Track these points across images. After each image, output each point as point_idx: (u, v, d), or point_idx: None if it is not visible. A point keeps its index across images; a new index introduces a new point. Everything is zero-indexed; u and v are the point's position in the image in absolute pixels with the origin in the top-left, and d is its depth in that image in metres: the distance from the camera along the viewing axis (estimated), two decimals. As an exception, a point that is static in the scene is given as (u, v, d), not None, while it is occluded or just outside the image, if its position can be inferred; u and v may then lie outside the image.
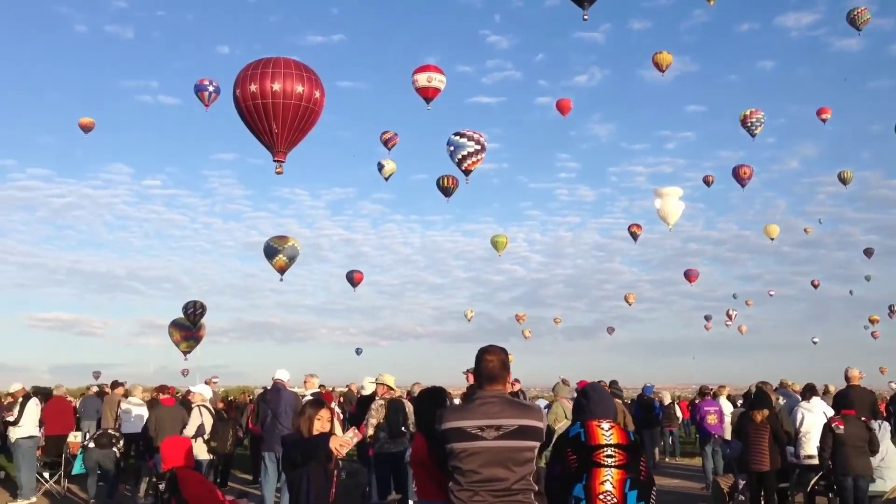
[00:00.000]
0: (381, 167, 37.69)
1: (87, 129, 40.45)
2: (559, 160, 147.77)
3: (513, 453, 3.95)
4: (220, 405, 13.11)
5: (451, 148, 26.98)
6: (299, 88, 21.19)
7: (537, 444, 4.06)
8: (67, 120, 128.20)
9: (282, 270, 34.96)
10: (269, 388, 10.83)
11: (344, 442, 5.04)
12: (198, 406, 11.20)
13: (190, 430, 10.76)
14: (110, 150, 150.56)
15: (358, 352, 59.88)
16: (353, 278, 40.43)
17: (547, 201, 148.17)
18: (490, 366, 4.17)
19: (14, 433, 11.94)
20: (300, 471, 4.99)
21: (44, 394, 15.01)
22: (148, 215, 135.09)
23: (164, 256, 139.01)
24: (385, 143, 37.25)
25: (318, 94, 21.89)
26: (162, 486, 7.66)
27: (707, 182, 41.58)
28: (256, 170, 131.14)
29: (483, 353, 4.23)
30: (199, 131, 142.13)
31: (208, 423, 10.82)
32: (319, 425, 5.16)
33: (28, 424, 11.92)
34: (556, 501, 4.29)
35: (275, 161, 24.04)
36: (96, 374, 45.24)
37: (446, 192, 31.69)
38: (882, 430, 9.31)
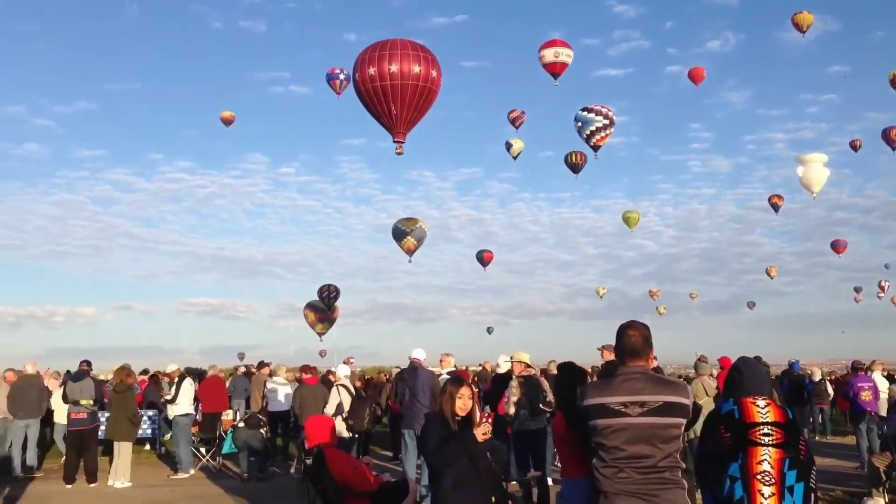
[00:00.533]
0: (509, 146, 37.52)
1: (228, 122, 42.40)
2: (691, 130, 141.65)
3: (658, 430, 3.82)
4: (358, 384, 13.50)
5: (579, 124, 26.52)
6: (416, 69, 21.32)
7: (684, 420, 3.92)
8: (208, 114, 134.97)
9: (410, 252, 35.48)
10: (406, 367, 11.01)
11: (486, 430, 5.03)
12: (337, 385, 11.57)
13: (330, 409, 11.12)
14: (247, 140, 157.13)
15: (489, 331, 60.11)
16: (482, 258, 40.60)
17: (679, 173, 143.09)
18: (632, 341, 4.06)
19: (172, 411, 12.77)
20: (448, 461, 4.98)
21: (197, 374, 15.95)
22: (284, 202, 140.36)
23: (300, 241, 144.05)
24: (513, 121, 37.02)
25: (434, 73, 21.96)
26: (309, 462, 7.96)
27: (854, 147, 39.01)
28: (384, 153, 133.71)
29: (625, 329, 4.13)
30: (329, 118, 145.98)
31: (347, 401, 11.14)
32: (461, 403, 5.16)
33: (184, 403, 12.70)
34: (706, 480, 4.11)
35: (395, 142, 24.40)
36: (241, 356, 47.48)
37: (574, 168, 31.18)
38: None
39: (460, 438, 4.97)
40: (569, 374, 5.27)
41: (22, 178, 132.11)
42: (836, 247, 41.79)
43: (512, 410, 9.53)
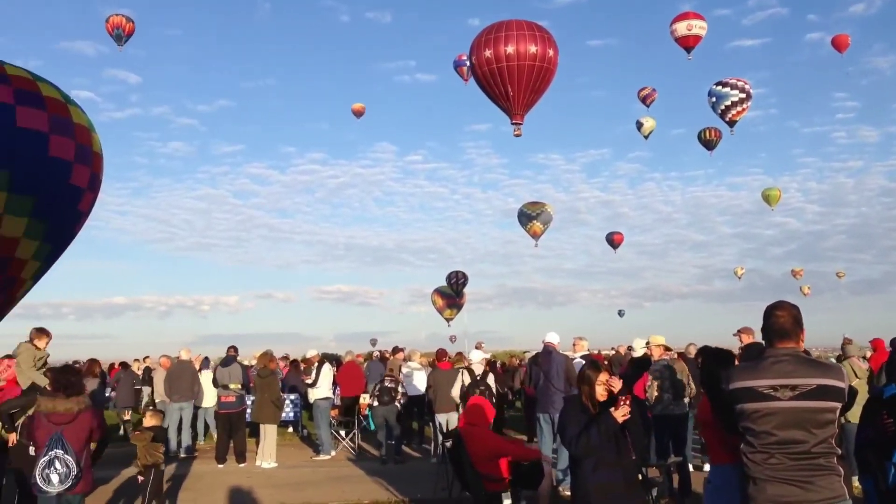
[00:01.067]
0: (639, 125, 36.68)
1: (359, 114, 43.52)
2: (835, 100, 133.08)
3: (811, 414, 3.64)
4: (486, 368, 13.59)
5: (713, 99, 25.62)
6: (532, 49, 21.04)
7: (839, 405, 3.70)
8: (338, 106, 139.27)
9: (536, 236, 35.29)
10: (539, 351, 10.99)
11: (625, 412, 4.96)
12: (461, 369, 11.77)
13: (455, 391, 11.29)
14: (376, 130, 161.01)
15: (620, 313, 59.18)
16: (612, 240, 39.97)
17: (822, 146, 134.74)
18: (781, 321, 3.87)
19: (312, 395, 13.28)
20: (588, 451, 4.95)
21: (335, 360, 16.49)
22: (412, 189, 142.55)
23: (430, 228, 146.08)
24: (643, 99, 36.14)
25: (551, 52, 21.61)
26: (448, 444, 8.07)
27: None
28: (510, 138, 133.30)
29: (773, 309, 3.94)
30: (455, 105, 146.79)
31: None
32: (601, 389, 5.12)
33: (324, 387, 13.20)
34: (867, 467, 3.90)
35: (513, 124, 24.25)
36: (373, 342, 48.89)
37: (708, 145, 30.17)
38: None
39: (600, 423, 4.93)
40: (714, 358, 5.11)
41: (169, 174, 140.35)
42: None
43: (654, 395, 9.34)
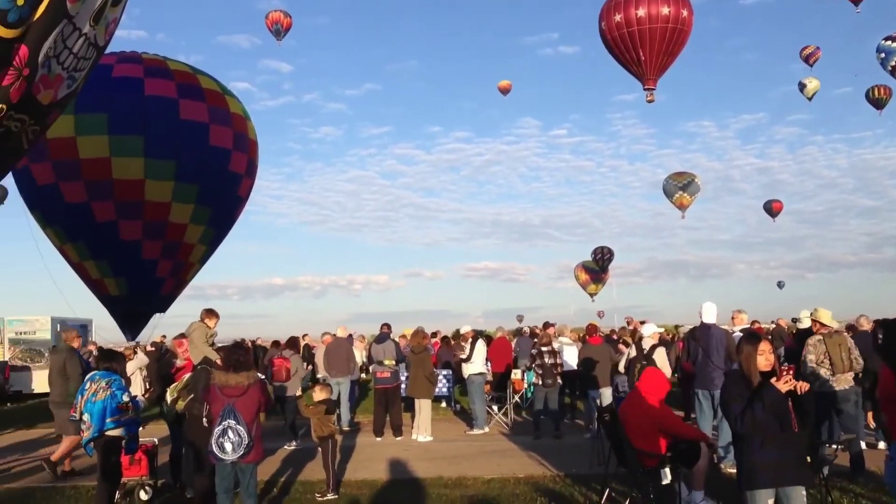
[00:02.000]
0: (802, 86, 34.56)
1: (505, 91, 43.43)
2: None
3: None
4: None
5: (882, 55, 23.73)
6: (665, 10, 20.10)
7: None
8: (481, 83, 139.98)
9: (683, 207, 34.05)
10: (697, 325, 10.53)
11: (788, 380, 4.63)
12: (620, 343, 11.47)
13: (621, 366, 11.04)
14: (519, 105, 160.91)
15: (780, 285, 56.28)
16: (771, 208, 37.96)
17: None
18: None
19: (466, 370, 13.37)
20: (753, 428, 4.66)
21: (485, 336, 16.53)
22: (558, 164, 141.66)
23: (576, 202, 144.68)
24: (806, 59, 33.98)
25: (685, 13, 20.58)
26: (607, 417, 7.86)
27: None
28: (659, 107, 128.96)
29: None
30: (600, 75, 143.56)
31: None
32: (763, 360, 4.80)
33: (478, 362, 13.25)
34: None
35: (645, 90, 23.31)
36: (520, 318, 48.93)
37: (878, 104, 28.07)
38: None
39: (764, 397, 4.62)
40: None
41: (321, 158, 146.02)
42: None
43: (810, 370, 8.73)
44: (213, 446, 6.29)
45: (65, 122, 13.32)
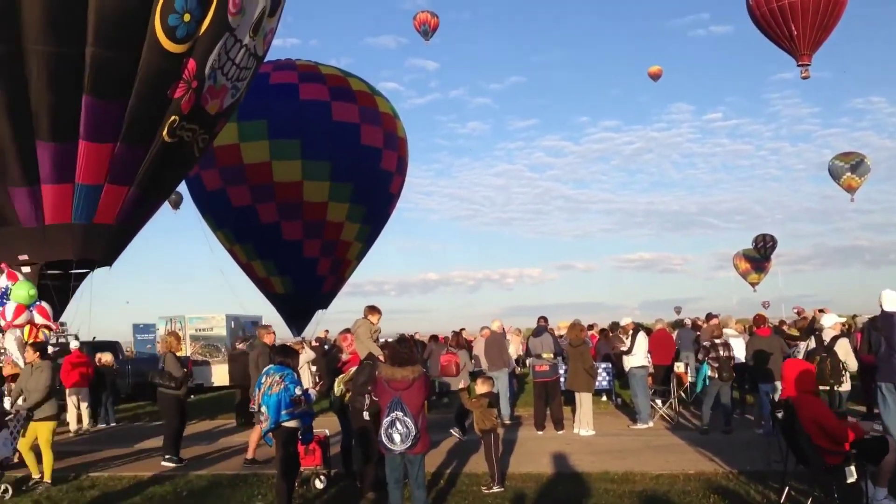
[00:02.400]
0: None
1: (656, 77, 42.13)
2: None
3: None
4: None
5: None
6: None
7: None
8: (629, 69, 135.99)
9: (852, 190, 31.68)
10: (878, 314, 9.73)
11: None
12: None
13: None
14: (670, 90, 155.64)
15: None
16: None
17: None
18: None
19: (628, 362, 13.03)
20: None
21: (645, 328, 16.08)
22: (713, 149, 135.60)
23: (734, 188, 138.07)
24: None
25: None
26: (780, 415, 7.40)
27: None
28: (822, 83, 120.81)
29: None
30: (755, 54, 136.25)
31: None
32: None
33: (639, 354, 12.89)
34: None
35: (799, 66, 21.80)
36: (677, 310, 47.14)
37: None
38: None
39: None
40: None
41: (468, 153, 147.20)
42: None
43: None
44: (382, 437, 6.45)
45: (229, 130, 14.10)
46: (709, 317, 16.69)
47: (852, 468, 6.77)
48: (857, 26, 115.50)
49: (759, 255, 37.95)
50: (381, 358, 8.37)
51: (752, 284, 40.60)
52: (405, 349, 6.84)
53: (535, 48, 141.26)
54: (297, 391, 7.17)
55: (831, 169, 32.37)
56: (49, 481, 9.13)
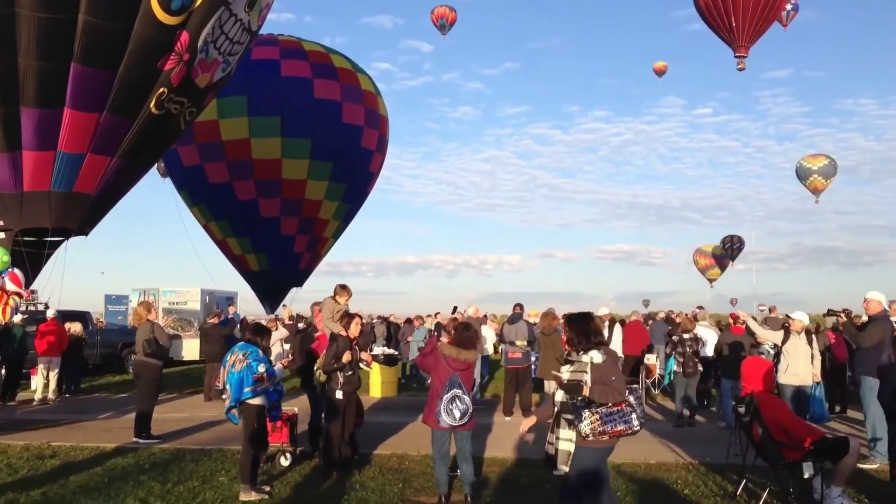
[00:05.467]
0: None
1: (660, 72, 42.07)
2: None
3: None
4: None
5: None
6: None
7: None
8: (623, 61, 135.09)
9: (817, 191, 32.11)
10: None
11: None
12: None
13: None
14: (663, 84, 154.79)
15: (947, 271, 52.19)
16: (937, 191, 35.24)
17: None
18: None
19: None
20: None
21: (620, 321, 16.20)
22: (700, 144, 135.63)
23: (718, 184, 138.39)
24: None
25: None
26: (741, 410, 7.48)
27: None
28: (813, 82, 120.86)
29: None
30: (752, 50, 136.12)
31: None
32: None
33: (613, 346, 12.96)
34: None
35: (736, 57, 21.94)
36: (646, 303, 47.66)
37: None
38: None
39: None
40: None
41: (458, 138, 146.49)
42: None
43: None
44: (442, 413, 6.71)
45: (209, 106, 13.91)
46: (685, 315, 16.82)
47: (810, 464, 6.88)
48: (853, 27, 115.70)
49: (727, 255, 38.45)
50: (344, 334, 8.44)
51: (711, 280, 41.28)
52: (471, 333, 7.19)
53: (533, 35, 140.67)
54: (261, 368, 7.13)
55: (798, 170, 32.86)
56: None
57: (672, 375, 12.43)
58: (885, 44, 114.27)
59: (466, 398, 6.78)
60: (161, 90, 11.83)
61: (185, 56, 11.73)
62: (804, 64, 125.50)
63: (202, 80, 12.47)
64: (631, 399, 5.29)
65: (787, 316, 11.31)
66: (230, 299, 22.60)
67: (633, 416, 5.23)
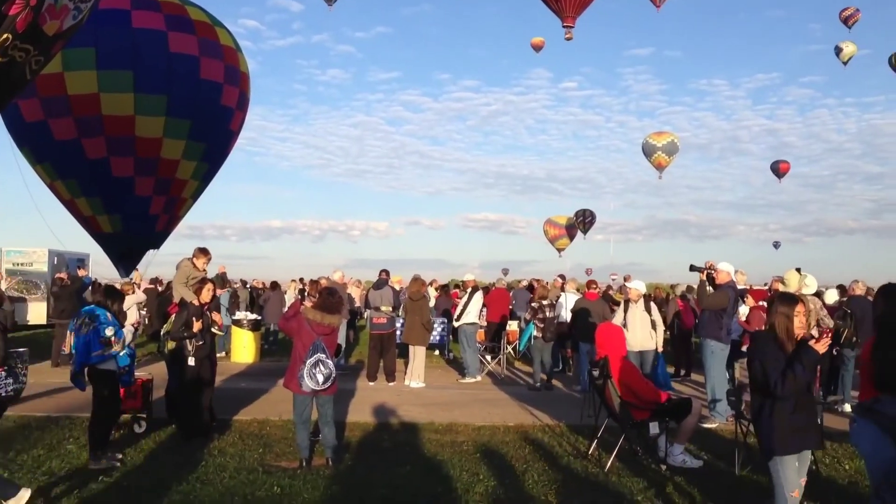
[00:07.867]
0: (838, 50, 34.08)
1: (537, 48, 42.63)
2: None
3: None
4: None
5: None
6: None
7: None
8: (495, 32, 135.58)
9: (661, 167, 34.01)
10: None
11: (826, 342, 4.56)
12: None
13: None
14: (532, 56, 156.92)
15: (776, 245, 56.42)
16: (778, 169, 37.91)
17: None
18: None
19: (460, 319, 13.29)
20: (797, 387, 4.56)
21: (483, 288, 16.47)
22: (566, 117, 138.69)
23: (581, 157, 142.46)
24: (845, 20, 33.38)
25: None
26: (595, 373, 7.82)
27: None
28: (673, 62, 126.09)
29: None
30: (616, 27, 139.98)
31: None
32: (798, 321, 4.63)
33: (472, 312, 13.17)
34: None
35: (564, 27, 23.00)
36: (505, 271, 49.15)
37: (900, 69, 27.65)
38: None
39: (804, 359, 4.45)
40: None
41: (327, 101, 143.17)
42: None
43: None
44: (305, 377, 6.67)
45: (53, 59, 12.93)
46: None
47: (655, 424, 7.32)
48: (714, 12, 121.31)
49: (579, 228, 39.99)
50: (195, 302, 8.21)
51: (559, 250, 42.92)
52: (336, 299, 7.13)
53: (405, 0, 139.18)
54: (108, 332, 6.78)
55: (644, 146, 34.41)
56: None
57: (532, 340, 12.80)
58: (742, 25, 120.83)
59: (330, 362, 6.76)
60: (5, 36, 10.86)
61: (32, 1, 10.82)
62: (665, 43, 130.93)
63: (50, 28, 11.45)
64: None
65: (624, 285, 11.91)
66: (81, 261, 21.38)
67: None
